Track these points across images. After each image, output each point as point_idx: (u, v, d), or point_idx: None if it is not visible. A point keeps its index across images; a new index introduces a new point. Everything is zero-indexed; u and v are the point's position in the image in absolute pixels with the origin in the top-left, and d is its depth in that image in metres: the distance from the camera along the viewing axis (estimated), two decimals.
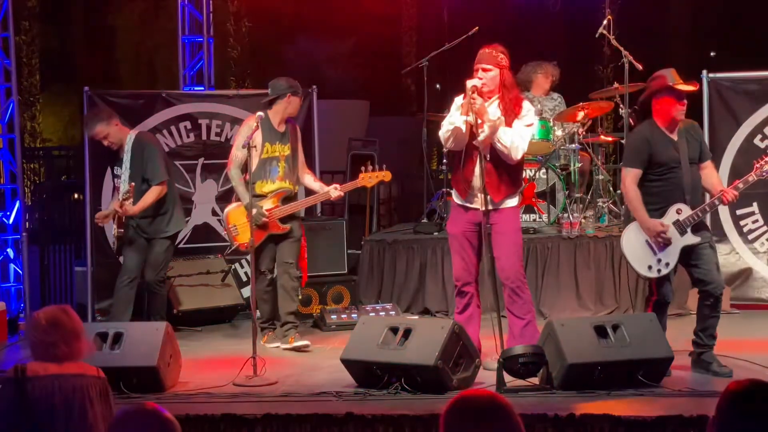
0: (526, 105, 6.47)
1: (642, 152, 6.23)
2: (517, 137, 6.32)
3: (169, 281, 8.13)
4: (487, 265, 6.42)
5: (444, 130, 6.40)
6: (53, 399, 4.00)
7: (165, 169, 7.57)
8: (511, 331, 6.45)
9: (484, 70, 6.38)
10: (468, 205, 6.45)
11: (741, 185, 6.26)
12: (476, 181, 6.33)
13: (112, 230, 7.71)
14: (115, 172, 7.59)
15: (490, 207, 6.30)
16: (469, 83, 6.29)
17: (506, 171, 6.40)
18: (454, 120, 6.33)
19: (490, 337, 6.40)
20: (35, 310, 4.49)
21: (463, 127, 6.28)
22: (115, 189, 7.57)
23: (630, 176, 6.25)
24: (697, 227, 6.21)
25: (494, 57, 6.40)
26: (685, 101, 6.24)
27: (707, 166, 6.39)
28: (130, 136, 7.54)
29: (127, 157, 7.44)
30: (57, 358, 4.09)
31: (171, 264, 8.56)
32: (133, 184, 7.27)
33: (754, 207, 8.55)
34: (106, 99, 8.74)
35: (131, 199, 7.26)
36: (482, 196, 6.26)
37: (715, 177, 6.44)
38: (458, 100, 6.45)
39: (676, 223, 6.16)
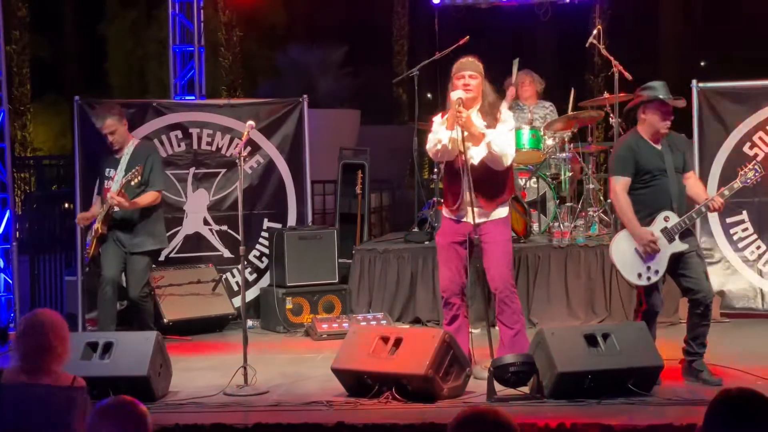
0: (503, 109, 6.50)
1: (628, 160, 6.26)
2: (506, 144, 6.35)
3: (153, 293, 8.15)
4: (472, 276, 6.44)
5: (431, 146, 6.43)
6: (20, 408, 3.97)
7: (164, 182, 7.67)
8: (501, 341, 6.46)
9: (471, 77, 6.40)
10: (458, 219, 6.46)
11: (726, 192, 6.30)
12: (465, 194, 6.34)
13: (87, 238, 7.75)
14: (106, 173, 7.61)
15: (482, 219, 6.33)
16: (454, 95, 6.31)
17: (496, 179, 6.41)
18: (440, 136, 6.36)
19: (481, 346, 6.41)
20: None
21: (449, 144, 6.31)
22: (104, 190, 7.59)
23: (619, 185, 6.27)
24: (685, 234, 6.24)
25: (477, 65, 6.44)
26: (672, 116, 6.29)
27: (690, 176, 6.43)
28: (133, 141, 7.71)
29: (125, 160, 7.53)
30: (31, 366, 4.08)
31: (162, 273, 8.59)
32: (141, 167, 7.29)
33: (744, 215, 8.56)
34: (95, 108, 8.72)
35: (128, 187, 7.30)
36: (472, 209, 6.29)
37: (698, 186, 6.48)
38: (437, 119, 6.48)
39: (664, 231, 6.19)
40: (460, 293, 6.50)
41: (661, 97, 6.23)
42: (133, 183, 7.31)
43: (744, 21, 18.32)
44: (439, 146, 6.36)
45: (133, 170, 7.29)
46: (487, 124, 6.36)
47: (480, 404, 5.63)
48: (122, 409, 3.14)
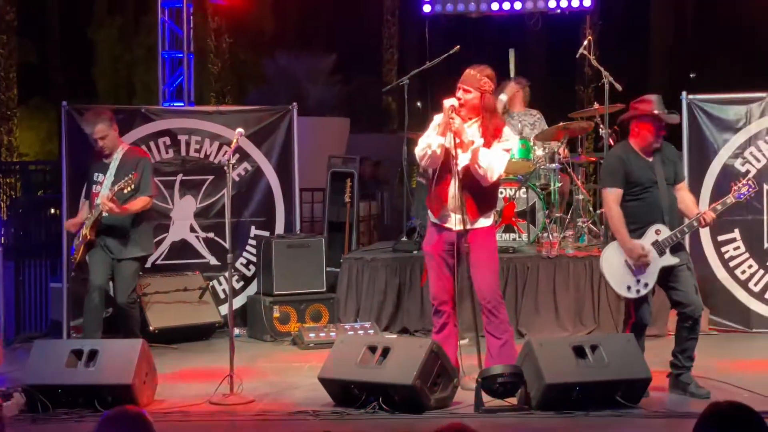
0: (506, 131, 6.47)
1: (618, 172, 6.25)
2: (495, 160, 6.32)
3: (140, 300, 8.10)
4: (459, 285, 6.41)
5: (420, 149, 6.40)
6: None
7: (154, 188, 7.63)
8: (489, 351, 6.43)
9: (465, 90, 6.38)
10: (441, 224, 6.44)
11: (719, 207, 6.27)
12: (450, 200, 6.33)
13: (74, 244, 7.70)
14: (95, 178, 7.56)
15: (467, 226, 6.31)
16: (446, 103, 6.30)
17: (480, 192, 6.38)
18: (431, 141, 6.33)
19: (469, 356, 6.38)
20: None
21: (438, 150, 6.29)
22: (92, 195, 7.54)
23: (612, 196, 6.25)
24: (676, 248, 6.21)
25: (477, 80, 6.39)
26: (665, 131, 6.27)
27: (681, 188, 6.40)
28: (123, 146, 7.65)
29: (114, 165, 7.47)
30: None
31: (148, 281, 8.53)
32: (135, 174, 7.26)
33: (736, 233, 8.48)
34: (84, 114, 8.67)
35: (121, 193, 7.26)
36: (456, 215, 6.27)
37: (689, 199, 6.45)
38: (437, 118, 6.45)
39: (655, 244, 6.16)
40: (450, 302, 6.47)
41: (656, 112, 6.21)
42: (126, 191, 7.25)
43: (734, 33, 18.39)
44: (429, 151, 6.32)
45: (127, 178, 7.21)
46: (485, 140, 6.34)
47: (452, 420, 5.60)
48: (130, 420, 3.12)
